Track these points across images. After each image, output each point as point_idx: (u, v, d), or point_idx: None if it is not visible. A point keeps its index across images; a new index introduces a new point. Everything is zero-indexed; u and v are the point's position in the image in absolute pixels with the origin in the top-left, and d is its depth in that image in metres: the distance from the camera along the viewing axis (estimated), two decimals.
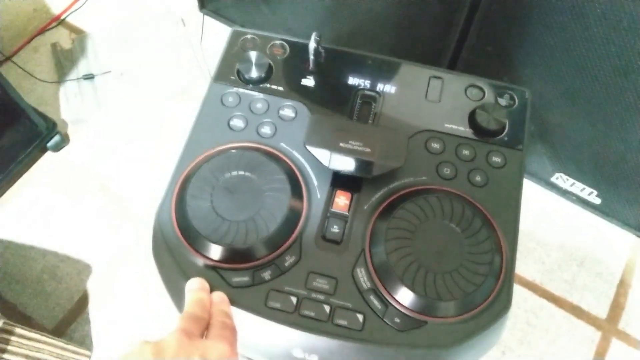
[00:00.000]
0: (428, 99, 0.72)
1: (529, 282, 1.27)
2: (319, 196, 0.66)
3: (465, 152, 0.68)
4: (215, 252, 0.61)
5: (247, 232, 0.61)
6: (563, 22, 0.96)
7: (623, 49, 0.94)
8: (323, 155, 0.63)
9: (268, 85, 0.73)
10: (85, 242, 1.28)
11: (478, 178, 0.67)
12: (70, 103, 1.43)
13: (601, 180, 1.25)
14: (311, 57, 0.72)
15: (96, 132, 1.42)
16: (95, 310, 1.22)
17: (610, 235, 1.34)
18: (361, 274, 0.61)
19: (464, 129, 0.70)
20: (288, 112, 0.71)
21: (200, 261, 0.61)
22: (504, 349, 1.23)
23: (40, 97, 1.45)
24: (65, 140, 1.39)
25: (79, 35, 1.55)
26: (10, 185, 1.33)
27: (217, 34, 1.56)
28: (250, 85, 0.73)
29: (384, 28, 1.23)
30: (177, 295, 0.62)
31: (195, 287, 0.60)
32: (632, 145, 1.10)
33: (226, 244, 0.60)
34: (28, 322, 1.20)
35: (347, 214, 0.65)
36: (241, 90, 0.72)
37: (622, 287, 1.30)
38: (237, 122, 0.70)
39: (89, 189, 1.34)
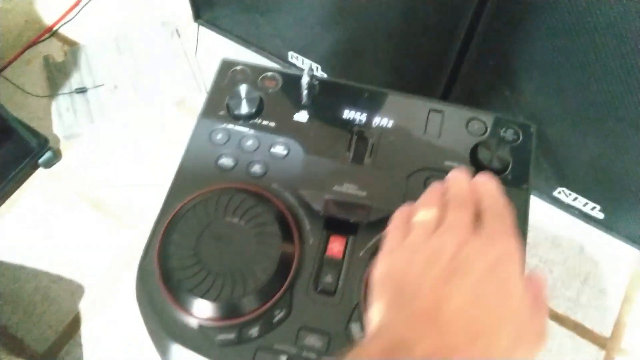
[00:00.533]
0: (427, 134, 0.69)
1: None
2: (311, 241, 0.63)
3: None
4: (199, 307, 0.57)
5: (234, 285, 0.57)
6: (567, 36, 0.93)
7: (628, 64, 0.91)
8: (316, 200, 0.60)
9: (259, 121, 0.70)
10: (78, 262, 1.26)
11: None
12: (63, 118, 1.40)
13: (604, 195, 1.23)
14: (304, 91, 0.68)
15: (89, 148, 1.39)
16: (88, 333, 1.19)
17: (613, 251, 1.32)
18: (356, 329, 0.58)
19: (466, 167, 0.67)
20: (280, 150, 0.68)
21: (183, 317, 0.58)
22: None
23: (32, 112, 1.42)
24: (57, 156, 1.36)
25: (72, 47, 1.51)
26: (1, 204, 1.31)
27: (213, 45, 1.53)
28: (241, 121, 0.70)
29: (383, 40, 1.20)
30: (162, 349, 0.59)
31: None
32: (635, 161, 1.08)
33: (211, 299, 0.57)
34: (19, 344, 1.17)
35: (342, 260, 0.62)
36: (230, 126, 0.69)
37: (627, 303, 1.27)
38: (226, 161, 0.67)
39: (83, 206, 1.31)
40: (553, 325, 1.24)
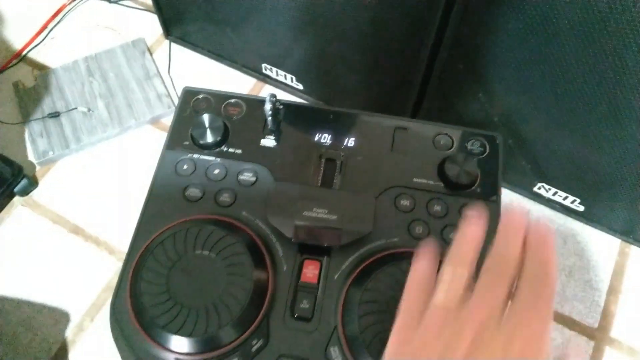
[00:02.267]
0: (394, 152, 0.69)
1: None
2: (285, 268, 0.62)
3: (437, 207, 0.65)
4: (175, 343, 0.57)
5: (208, 318, 0.57)
6: (533, 32, 0.94)
7: (593, 61, 0.91)
8: (286, 227, 0.60)
9: (225, 149, 0.69)
10: (61, 290, 1.25)
11: (452, 235, 0.64)
12: (37, 144, 1.39)
13: (582, 188, 1.23)
14: (268, 117, 0.68)
15: (65, 172, 1.37)
16: None
17: (596, 242, 1.32)
18: (335, 353, 0.58)
19: (434, 183, 0.67)
20: (248, 177, 0.67)
21: (160, 353, 0.58)
22: None
23: (5, 140, 1.40)
24: (33, 183, 1.34)
25: (42, 71, 1.50)
26: None
27: (185, 61, 1.52)
28: (206, 150, 0.69)
29: (353, 49, 1.20)
30: None
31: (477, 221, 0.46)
32: (608, 153, 1.08)
33: (186, 335, 0.57)
34: None
35: (317, 285, 0.61)
36: (196, 156, 0.68)
37: (612, 294, 1.28)
38: (194, 192, 0.66)
39: (62, 232, 1.30)
40: None
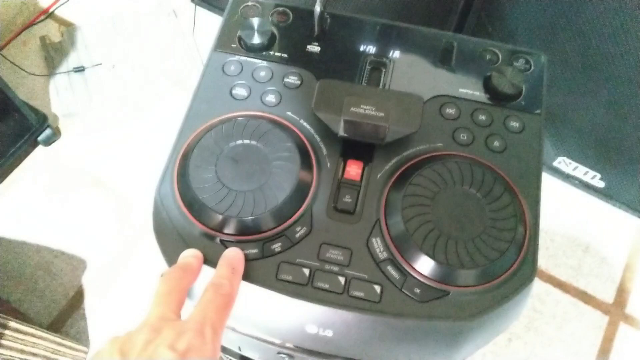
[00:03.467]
0: (441, 64, 0.69)
1: None
2: (329, 165, 0.62)
3: (482, 117, 0.65)
4: (222, 224, 0.57)
5: (254, 202, 0.57)
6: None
7: (625, 23, 0.92)
8: (333, 121, 0.60)
9: (272, 53, 0.69)
10: (79, 237, 1.25)
11: (496, 143, 0.64)
12: (61, 96, 1.40)
13: (604, 163, 1.23)
14: (316, 21, 0.68)
15: (88, 125, 1.38)
16: (91, 306, 1.19)
17: (614, 219, 1.33)
18: (377, 244, 0.58)
19: (480, 94, 0.67)
20: (293, 80, 0.67)
21: (206, 234, 0.58)
22: (510, 335, 1.20)
23: (30, 91, 1.41)
24: (56, 134, 1.35)
25: (68, 27, 1.51)
26: (1, 180, 1.30)
27: (210, 24, 1.53)
28: (253, 53, 0.69)
29: (384, 9, 1.20)
30: None
31: (185, 254, 0.56)
32: (633, 126, 1.08)
33: (233, 216, 0.57)
34: (23, 318, 1.16)
35: (360, 183, 0.62)
36: (243, 58, 0.69)
37: (628, 271, 1.28)
38: (240, 91, 0.66)
39: (82, 183, 1.31)
40: (556, 293, 1.24)
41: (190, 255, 0.56)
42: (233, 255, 0.56)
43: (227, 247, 0.57)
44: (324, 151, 0.63)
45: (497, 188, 0.59)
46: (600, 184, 1.30)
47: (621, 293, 1.26)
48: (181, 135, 0.64)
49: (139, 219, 1.28)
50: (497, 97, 0.66)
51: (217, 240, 0.57)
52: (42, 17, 1.54)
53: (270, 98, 0.66)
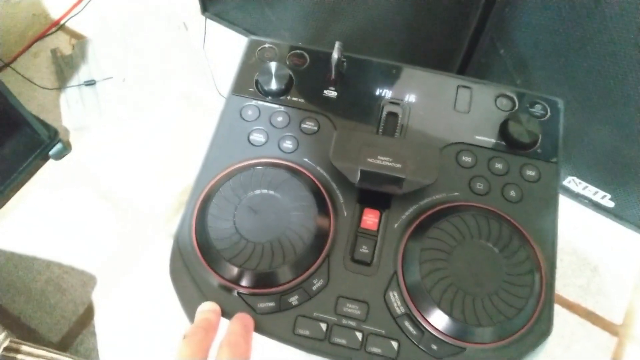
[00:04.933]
0: (456, 110, 0.69)
1: None
2: (345, 214, 0.63)
3: (498, 165, 0.65)
4: (240, 276, 0.57)
5: (272, 254, 0.57)
6: (578, 21, 0.94)
7: (634, 45, 0.91)
8: (350, 171, 0.60)
9: (289, 97, 0.70)
10: (90, 252, 1.25)
11: (513, 193, 0.64)
12: (72, 110, 1.40)
13: (614, 184, 1.23)
14: (333, 67, 0.68)
15: (99, 139, 1.38)
16: (101, 323, 1.19)
17: (623, 239, 1.32)
18: (394, 297, 0.58)
19: (496, 141, 0.67)
20: (310, 125, 0.68)
21: (223, 286, 0.58)
22: None
23: (41, 105, 1.42)
24: (67, 148, 1.35)
25: (80, 40, 1.51)
26: (12, 195, 1.30)
27: (220, 38, 1.53)
28: (270, 98, 0.70)
29: (391, 28, 1.20)
30: None
31: (203, 309, 0.57)
32: None
33: (251, 268, 0.57)
34: (32, 335, 1.17)
35: (377, 232, 0.62)
36: (260, 102, 0.69)
37: (637, 291, 1.28)
38: (258, 137, 0.67)
39: (93, 197, 1.31)
40: (564, 313, 1.24)
41: (209, 310, 0.56)
42: (244, 314, 0.56)
43: (244, 300, 0.58)
44: (341, 199, 0.63)
45: (514, 242, 0.59)
46: (610, 204, 1.29)
47: (629, 314, 1.26)
48: (199, 181, 0.64)
49: (151, 233, 1.28)
50: (513, 145, 0.66)
51: (235, 292, 0.58)
52: (53, 29, 1.54)
53: (288, 144, 0.66)
